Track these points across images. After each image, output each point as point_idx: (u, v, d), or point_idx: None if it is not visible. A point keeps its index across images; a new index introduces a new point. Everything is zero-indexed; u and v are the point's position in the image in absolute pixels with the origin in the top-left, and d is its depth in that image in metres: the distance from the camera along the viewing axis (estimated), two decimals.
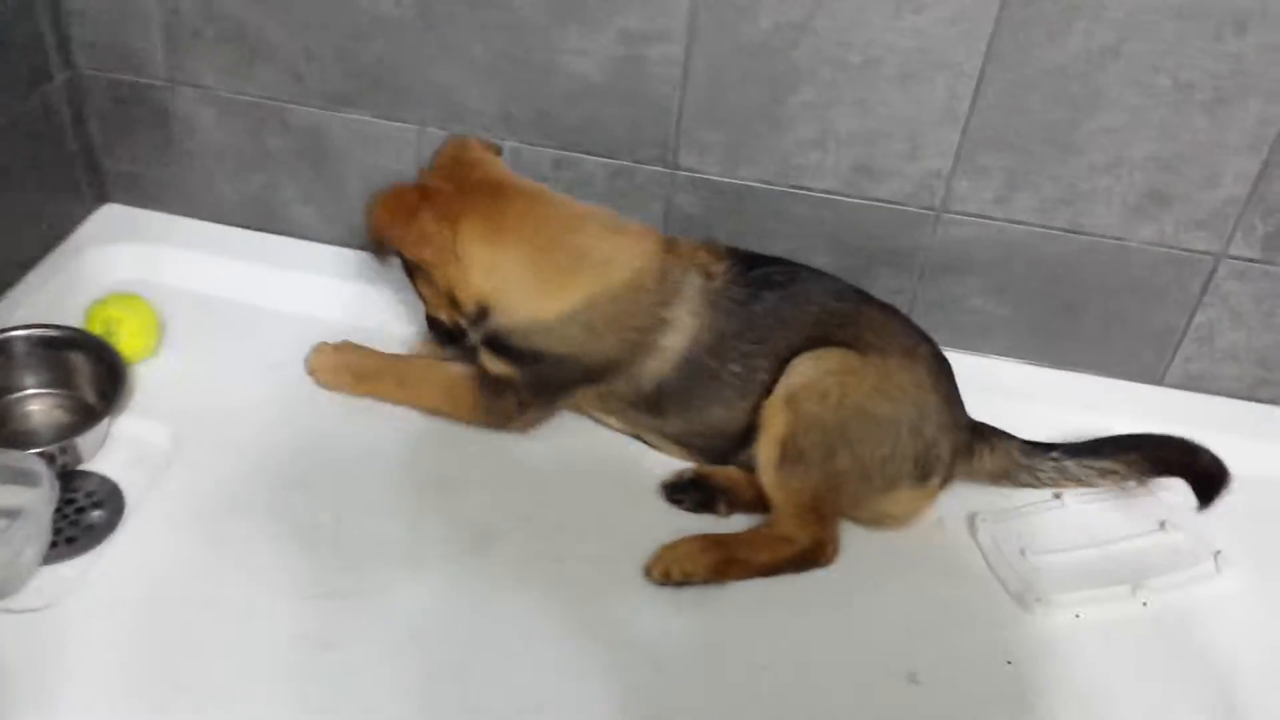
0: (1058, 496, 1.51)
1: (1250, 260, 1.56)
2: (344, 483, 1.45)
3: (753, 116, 1.55)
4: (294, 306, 1.70)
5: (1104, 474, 1.49)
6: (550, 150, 1.63)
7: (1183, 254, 1.57)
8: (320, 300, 1.71)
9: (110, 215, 1.82)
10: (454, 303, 1.47)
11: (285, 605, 1.29)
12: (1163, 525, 1.48)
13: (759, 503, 1.43)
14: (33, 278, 1.66)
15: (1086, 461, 1.49)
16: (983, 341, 1.69)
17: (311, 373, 1.57)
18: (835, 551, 1.40)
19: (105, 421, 1.45)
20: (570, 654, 1.27)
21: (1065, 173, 1.53)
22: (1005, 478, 1.48)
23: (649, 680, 1.26)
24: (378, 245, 1.45)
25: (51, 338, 1.51)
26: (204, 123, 1.72)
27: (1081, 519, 1.49)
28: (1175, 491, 1.51)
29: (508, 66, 1.57)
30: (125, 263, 1.73)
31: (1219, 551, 1.44)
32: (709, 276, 1.44)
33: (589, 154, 1.63)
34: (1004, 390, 1.61)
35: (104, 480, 1.42)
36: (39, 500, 1.26)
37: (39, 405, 1.51)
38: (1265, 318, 1.61)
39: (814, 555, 1.38)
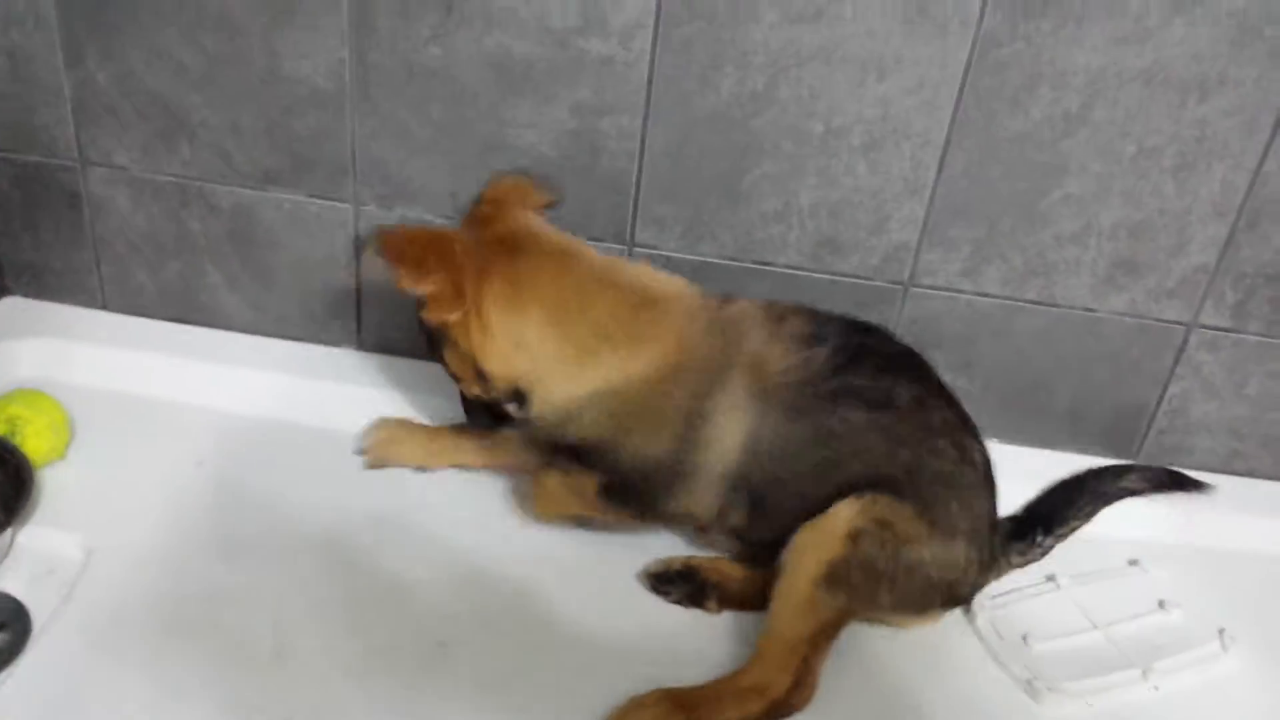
0: (1051, 579, 1.43)
1: (1221, 329, 1.54)
2: (282, 590, 1.30)
3: (712, 190, 1.48)
4: (219, 402, 1.57)
5: (1073, 531, 1.42)
6: None
7: (1154, 324, 1.54)
8: (249, 395, 1.57)
9: (11, 308, 1.67)
10: (482, 376, 1.30)
11: None
12: (1162, 604, 1.42)
13: (752, 600, 1.32)
14: None
15: (1059, 530, 1.41)
16: None
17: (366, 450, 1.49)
18: (811, 694, 1.23)
19: (8, 533, 1.29)
20: None
21: (1033, 243, 1.49)
22: (1004, 575, 1.40)
23: None
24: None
25: None
26: (118, 206, 1.59)
27: (1079, 601, 1.41)
28: (1167, 569, 1.47)
29: (451, 142, 1.49)
30: (28, 359, 1.58)
31: (1223, 630, 1.37)
32: (761, 374, 1.25)
33: None
34: None
35: (6, 599, 1.25)
36: None
37: None
38: (1237, 388, 1.58)
39: (787, 704, 1.21)
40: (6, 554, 1.30)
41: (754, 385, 1.24)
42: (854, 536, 1.23)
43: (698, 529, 1.41)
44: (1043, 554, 1.42)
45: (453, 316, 1.25)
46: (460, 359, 1.30)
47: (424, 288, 1.23)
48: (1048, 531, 1.41)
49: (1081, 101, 1.39)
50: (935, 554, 1.27)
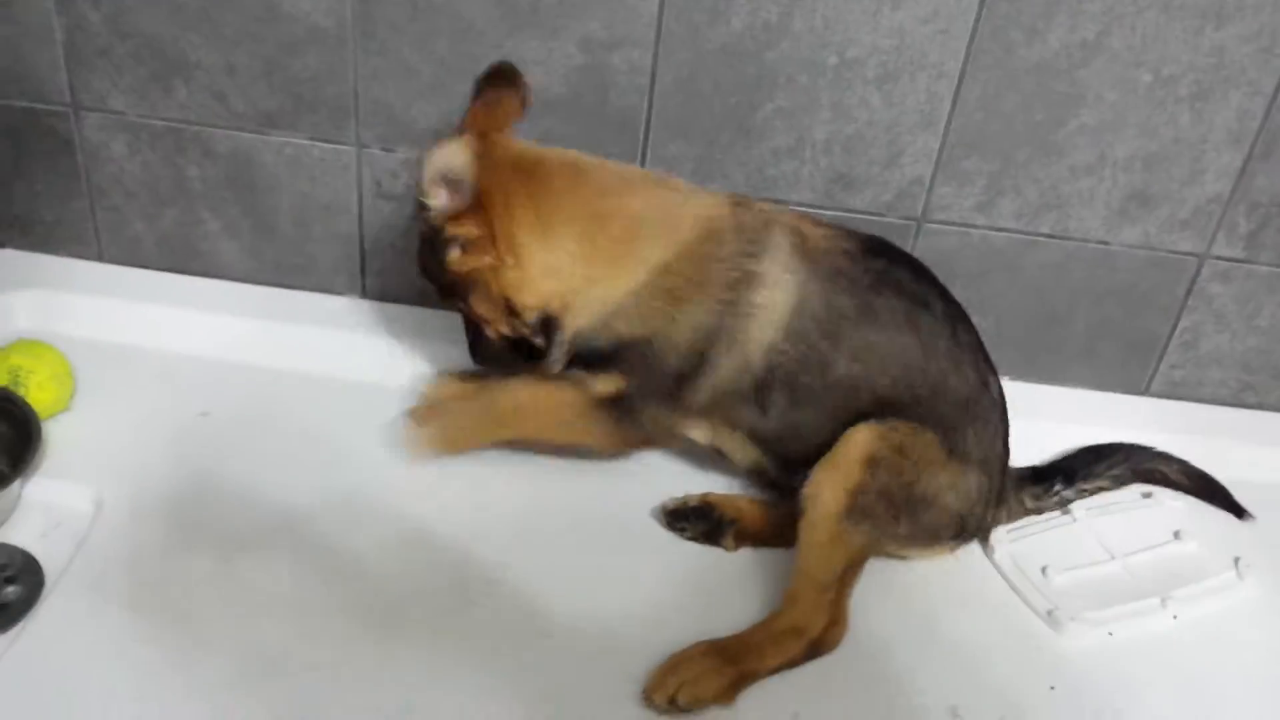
0: (1066, 512, 1.43)
1: (1234, 260, 1.53)
2: (299, 539, 1.28)
3: (724, 126, 1.46)
4: (218, 352, 1.53)
5: (1096, 491, 1.46)
6: None
7: (1167, 256, 1.53)
8: (251, 345, 1.54)
9: (4, 260, 1.63)
10: (512, 312, 1.27)
11: (240, 684, 1.11)
12: (1177, 535, 1.42)
13: (770, 536, 1.32)
14: None
15: (1082, 485, 1.45)
16: None
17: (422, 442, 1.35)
18: (844, 631, 1.24)
19: (16, 485, 1.26)
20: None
21: (1048, 176, 1.47)
22: (1017, 518, 1.41)
23: None
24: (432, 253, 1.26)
25: None
26: (113, 152, 1.55)
27: (1095, 533, 1.41)
28: (1182, 500, 1.47)
29: (456, 80, 1.45)
30: (24, 310, 1.55)
31: (1239, 558, 1.38)
32: (802, 238, 1.26)
33: None
34: None
35: (16, 551, 1.22)
36: None
37: None
38: (1248, 320, 1.58)
39: (822, 643, 1.21)
40: (14, 508, 1.27)
41: (799, 246, 1.25)
42: (872, 463, 1.23)
43: (714, 448, 1.37)
44: (1058, 504, 1.43)
45: (488, 259, 1.23)
46: (488, 301, 1.28)
47: (464, 232, 1.22)
48: (1068, 483, 1.43)
49: (1099, 29, 1.37)
50: (952, 481, 1.28)
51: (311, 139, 1.51)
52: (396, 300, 1.63)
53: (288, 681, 1.12)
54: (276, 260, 1.62)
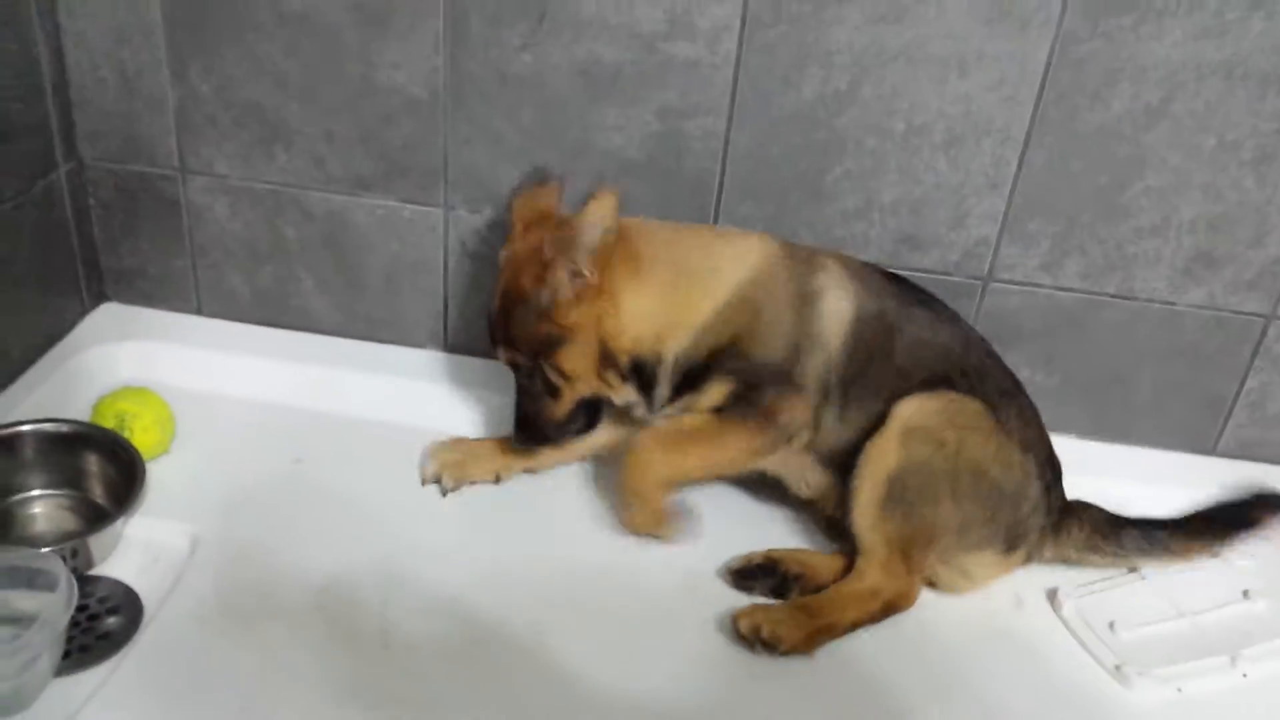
0: (1134, 570, 1.44)
1: None
2: (387, 579, 1.34)
3: (794, 188, 1.52)
4: (309, 401, 1.61)
5: (1185, 551, 1.43)
6: None
7: (1232, 316, 1.55)
8: (341, 396, 1.62)
9: (110, 314, 1.73)
10: (607, 362, 1.36)
11: (331, 710, 1.17)
12: (1246, 594, 1.42)
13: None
14: (29, 377, 1.56)
15: (1166, 537, 1.43)
16: None
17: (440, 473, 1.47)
18: (917, 591, 1.35)
19: (119, 523, 1.33)
20: None
21: (1113, 236, 1.51)
22: (1088, 553, 1.42)
23: None
24: (523, 322, 1.35)
25: (61, 434, 1.40)
26: (216, 213, 1.65)
27: (1164, 591, 1.42)
28: (1252, 559, 1.46)
29: (540, 146, 1.53)
30: (128, 361, 1.64)
31: None
32: (845, 262, 1.41)
33: None
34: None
35: (117, 585, 1.30)
36: (56, 605, 1.14)
37: (45, 508, 1.39)
38: None
39: (897, 604, 1.33)
40: (118, 543, 1.34)
41: (847, 268, 1.40)
42: (908, 434, 1.31)
43: (778, 477, 1.45)
44: (1118, 554, 1.42)
45: (597, 308, 1.33)
46: (582, 355, 1.35)
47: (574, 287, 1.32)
48: (1150, 530, 1.42)
49: (1161, 95, 1.41)
50: (998, 453, 1.33)
51: (402, 201, 1.60)
52: (477, 354, 1.70)
53: (375, 713, 1.17)
54: (366, 315, 1.70)
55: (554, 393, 1.40)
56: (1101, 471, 1.58)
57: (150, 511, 1.38)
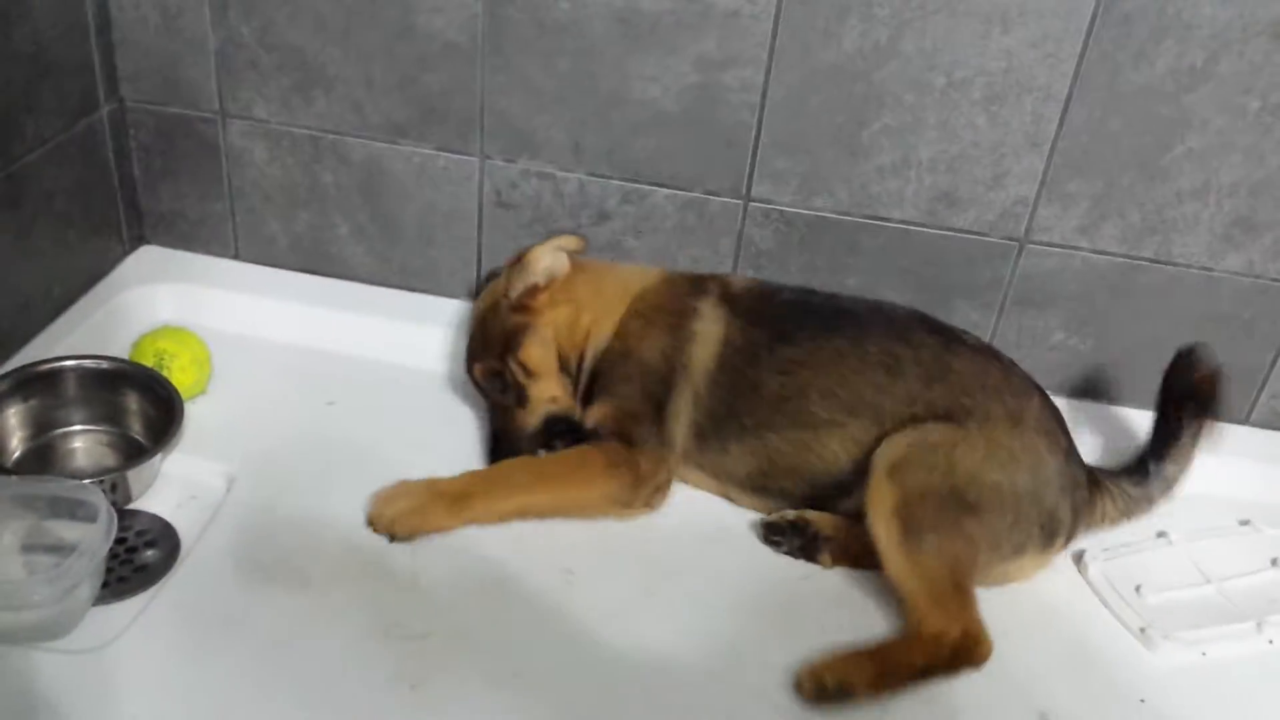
0: (1162, 535, 1.44)
1: None
2: None
3: (831, 144, 1.51)
4: (343, 347, 1.63)
5: (1188, 450, 1.41)
6: (618, 182, 1.58)
7: (1271, 284, 1.53)
8: (374, 342, 1.63)
9: (149, 256, 1.75)
10: (560, 362, 1.47)
11: (363, 645, 1.19)
12: (1274, 562, 1.42)
13: (865, 557, 1.34)
14: (70, 315, 1.58)
15: (1172, 453, 1.41)
16: (1064, 379, 1.63)
17: (388, 525, 1.32)
18: (989, 647, 1.24)
19: (157, 458, 1.36)
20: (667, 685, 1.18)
21: (1152, 199, 1.49)
22: (1125, 517, 1.41)
23: (772, 712, 1.18)
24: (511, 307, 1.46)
25: (102, 370, 1.42)
26: (255, 157, 1.66)
27: (1191, 556, 1.42)
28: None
29: (577, 95, 1.53)
30: (166, 303, 1.66)
31: None
32: (725, 285, 1.49)
33: (659, 186, 1.58)
34: (1084, 430, 1.55)
35: (155, 519, 1.32)
36: (96, 535, 1.16)
37: (85, 443, 1.42)
38: None
39: (966, 650, 1.23)
40: (155, 479, 1.37)
41: (723, 294, 1.47)
42: (892, 472, 1.30)
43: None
44: (1163, 487, 1.41)
45: (571, 305, 1.47)
46: (542, 345, 1.46)
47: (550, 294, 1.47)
48: (1159, 457, 1.40)
49: (1206, 55, 1.39)
50: (991, 453, 1.30)
51: (438, 149, 1.60)
52: None
53: (405, 647, 1.19)
54: (400, 263, 1.71)
55: (522, 399, 1.46)
56: (1131, 438, 1.58)
57: (188, 450, 1.41)
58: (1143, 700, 1.23)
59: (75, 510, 1.20)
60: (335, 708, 1.12)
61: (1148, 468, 1.41)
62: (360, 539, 1.32)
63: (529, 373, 1.46)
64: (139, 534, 1.30)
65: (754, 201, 1.57)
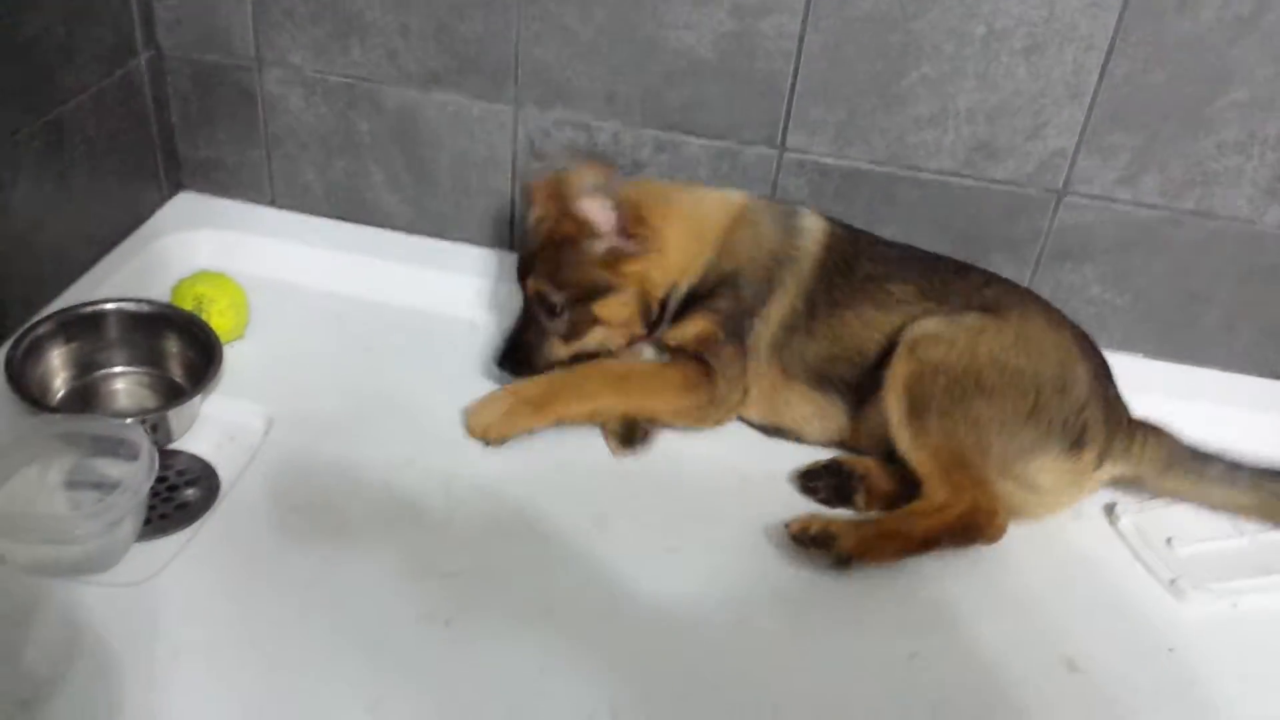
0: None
1: None
2: (451, 462, 1.37)
3: (867, 93, 1.50)
4: (377, 295, 1.64)
5: (1268, 500, 1.38)
6: (652, 132, 1.58)
7: None
8: (409, 290, 1.64)
9: (187, 202, 1.77)
10: (647, 305, 1.44)
11: (397, 582, 1.21)
12: None
13: (901, 497, 1.35)
14: (109, 261, 1.61)
15: (1251, 476, 1.37)
16: (1099, 333, 1.61)
17: (484, 432, 1.39)
18: (1001, 522, 1.29)
19: (196, 400, 1.38)
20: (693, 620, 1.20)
21: (1194, 152, 1.47)
22: (1166, 474, 1.39)
23: (796, 657, 1.19)
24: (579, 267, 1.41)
25: (143, 313, 1.44)
26: (291, 105, 1.67)
27: None
28: None
29: (611, 43, 1.52)
30: (204, 249, 1.68)
31: None
32: (815, 211, 1.49)
33: (693, 135, 1.57)
34: (1122, 386, 1.53)
35: (195, 459, 1.34)
36: (138, 473, 1.18)
37: (126, 384, 1.45)
38: None
39: (974, 521, 1.28)
40: (194, 420, 1.39)
41: (820, 214, 1.48)
42: (912, 348, 1.33)
43: (780, 428, 1.48)
44: (1199, 481, 1.39)
45: (654, 253, 1.42)
46: (624, 305, 1.43)
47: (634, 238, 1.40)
48: (1227, 465, 1.38)
49: (1252, 6, 1.37)
50: (1018, 340, 1.32)
51: (473, 97, 1.60)
52: None
53: (438, 584, 1.21)
54: (434, 211, 1.72)
55: (573, 336, 1.44)
56: (1168, 393, 1.57)
57: (226, 392, 1.43)
58: (1171, 650, 1.23)
59: (118, 449, 1.23)
60: (371, 641, 1.15)
61: (1220, 464, 1.38)
62: (393, 480, 1.34)
63: (599, 322, 1.44)
64: (180, 473, 1.32)
65: (788, 151, 1.56)
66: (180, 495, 1.29)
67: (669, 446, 1.45)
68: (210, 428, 1.39)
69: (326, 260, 1.68)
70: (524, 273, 1.46)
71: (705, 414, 1.43)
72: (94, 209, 1.57)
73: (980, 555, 1.32)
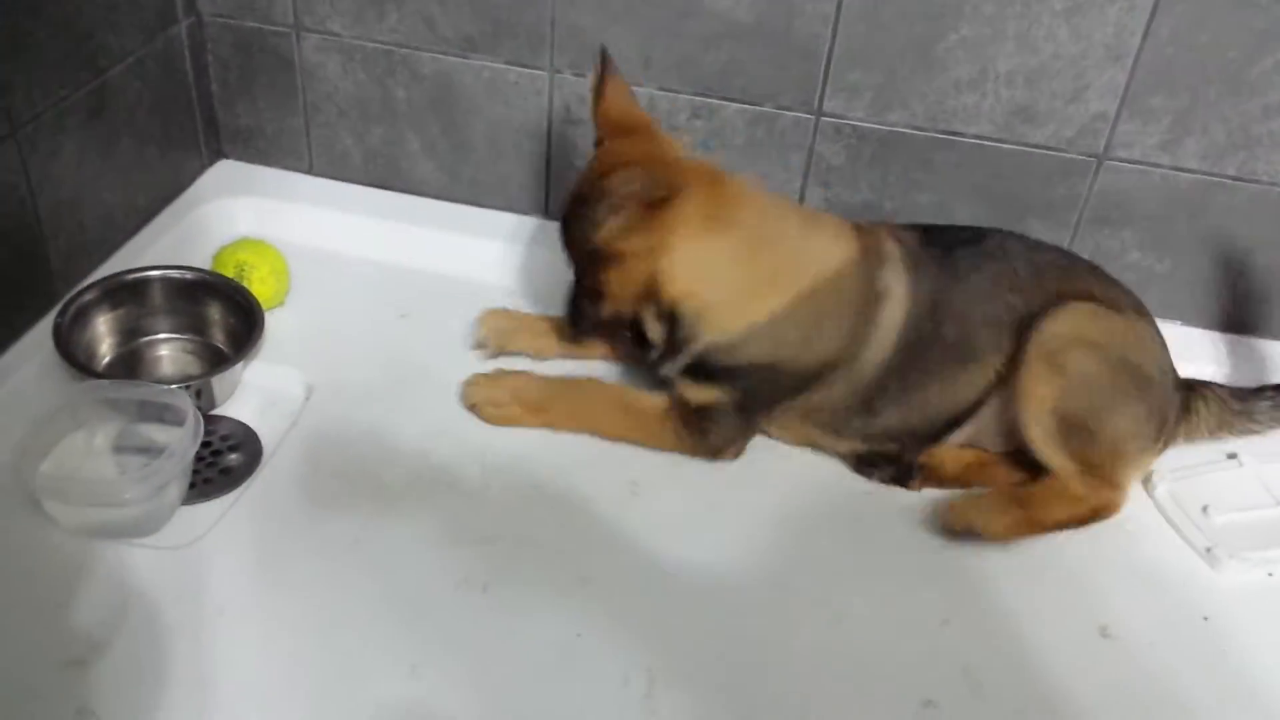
0: (1233, 457, 1.42)
1: None
2: (488, 429, 1.39)
3: (906, 56, 1.48)
4: (415, 262, 1.65)
5: None
6: (687, 96, 1.58)
7: None
8: (445, 257, 1.66)
9: (227, 170, 1.79)
10: (647, 297, 1.30)
11: (435, 548, 1.23)
12: None
13: (956, 478, 1.36)
14: (152, 228, 1.63)
15: None
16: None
17: (473, 407, 1.39)
18: (1123, 499, 1.32)
19: (238, 367, 1.40)
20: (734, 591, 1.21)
21: (1238, 115, 1.45)
22: (1220, 429, 1.40)
23: (831, 623, 1.20)
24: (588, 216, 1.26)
25: (186, 280, 1.47)
26: (329, 72, 1.68)
27: (1261, 478, 1.40)
28: None
29: (648, 6, 1.52)
30: (244, 216, 1.69)
31: None
32: (901, 241, 1.33)
33: (729, 100, 1.57)
34: None
35: (238, 424, 1.37)
36: (183, 438, 1.21)
37: (170, 350, 1.47)
38: None
39: (1103, 515, 1.30)
40: (237, 387, 1.41)
41: (904, 252, 1.32)
42: (1052, 359, 1.26)
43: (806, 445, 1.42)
44: (1250, 424, 1.40)
45: (653, 241, 1.26)
46: (626, 280, 1.29)
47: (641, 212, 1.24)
48: (1273, 400, 1.39)
49: None
50: (1133, 336, 1.30)
51: (508, 63, 1.60)
52: None
53: (475, 549, 1.23)
54: (470, 179, 1.73)
55: (595, 298, 1.35)
56: (1209, 360, 1.56)
57: (268, 358, 1.45)
58: (1206, 618, 1.23)
59: (163, 414, 1.25)
60: (410, 605, 1.17)
61: (1264, 394, 1.39)
62: (432, 447, 1.35)
63: (603, 293, 1.33)
64: (223, 438, 1.34)
65: (825, 116, 1.55)
66: (224, 460, 1.32)
67: None
68: (252, 394, 1.41)
69: (364, 228, 1.69)
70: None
71: (702, 460, 1.37)
72: (136, 177, 1.60)
73: None
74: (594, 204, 1.25)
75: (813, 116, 1.55)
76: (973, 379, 1.33)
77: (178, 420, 1.23)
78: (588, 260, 1.31)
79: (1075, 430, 1.27)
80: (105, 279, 1.44)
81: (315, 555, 1.21)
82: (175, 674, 1.08)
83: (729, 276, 1.28)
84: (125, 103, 1.53)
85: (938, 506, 1.30)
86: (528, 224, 1.73)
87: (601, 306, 1.34)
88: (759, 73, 1.54)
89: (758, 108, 1.56)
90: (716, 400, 1.33)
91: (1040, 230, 1.56)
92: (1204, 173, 1.49)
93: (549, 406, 1.39)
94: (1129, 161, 1.50)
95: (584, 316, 1.39)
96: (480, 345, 1.50)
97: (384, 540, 1.24)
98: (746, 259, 1.28)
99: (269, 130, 1.76)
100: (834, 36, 1.48)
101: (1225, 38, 1.39)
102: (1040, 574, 1.28)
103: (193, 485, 1.26)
